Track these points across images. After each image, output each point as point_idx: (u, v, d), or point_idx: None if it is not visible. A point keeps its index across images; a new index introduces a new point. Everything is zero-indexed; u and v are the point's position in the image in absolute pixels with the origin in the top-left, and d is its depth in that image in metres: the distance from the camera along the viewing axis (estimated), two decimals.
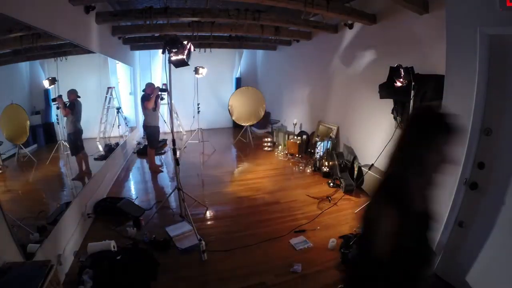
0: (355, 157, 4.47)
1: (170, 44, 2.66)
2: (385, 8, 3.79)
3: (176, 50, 2.66)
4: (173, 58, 2.69)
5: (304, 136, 5.88)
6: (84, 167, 3.47)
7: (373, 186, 3.64)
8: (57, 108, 2.77)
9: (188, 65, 2.80)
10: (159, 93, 4.95)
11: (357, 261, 1.46)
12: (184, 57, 2.70)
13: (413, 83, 2.91)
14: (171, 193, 3.72)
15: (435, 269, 2.33)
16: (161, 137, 7.22)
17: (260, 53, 9.08)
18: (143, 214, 3.32)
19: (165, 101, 5.93)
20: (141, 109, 5.02)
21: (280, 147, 6.13)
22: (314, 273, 2.40)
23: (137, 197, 3.91)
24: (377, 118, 4.05)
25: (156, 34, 5.47)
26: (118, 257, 2.31)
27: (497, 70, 1.88)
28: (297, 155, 5.68)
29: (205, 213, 3.49)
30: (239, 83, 9.19)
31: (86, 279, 2.06)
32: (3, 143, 2.08)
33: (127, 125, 6.28)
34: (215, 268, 2.42)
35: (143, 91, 4.87)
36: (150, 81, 8.24)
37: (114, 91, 5.21)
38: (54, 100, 2.74)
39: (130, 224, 3.06)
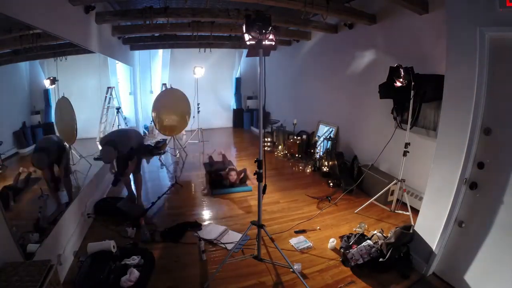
0: (355, 157, 4.47)
1: (260, 21, 1.98)
2: (385, 8, 3.80)
3: (266, 31, 2.02)
4: (266, 43, 2.10)
5: (304, 136, 5.88)
6: None
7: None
8: None
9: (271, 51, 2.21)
10: None
11: None
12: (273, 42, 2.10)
13: (413, 83, 2.91)
14: (168, 189, 3.71)
15: (435, 269, 2.33)
16: (160, 137, 7.26)
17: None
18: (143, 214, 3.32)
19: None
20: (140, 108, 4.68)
21: (280, 147, 6.13)
22: (314, 273, 2.40)
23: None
24: (377, 118, 4.05)
25: (156, 34, 5.47)
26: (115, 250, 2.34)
27: (497, 70, 1.88)
28: (297, 155, 5.69)
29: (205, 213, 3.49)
30: (239, 83, 9.20)
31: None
32: (3, 143, 2.08)
33: (127, 125, 6.26)
34: (215, 268, 2.42)
35: None
36: (150, 81, 8.31)
37: (114, 91, 5.21)
38: None
39: (130, 224, 3.06)
